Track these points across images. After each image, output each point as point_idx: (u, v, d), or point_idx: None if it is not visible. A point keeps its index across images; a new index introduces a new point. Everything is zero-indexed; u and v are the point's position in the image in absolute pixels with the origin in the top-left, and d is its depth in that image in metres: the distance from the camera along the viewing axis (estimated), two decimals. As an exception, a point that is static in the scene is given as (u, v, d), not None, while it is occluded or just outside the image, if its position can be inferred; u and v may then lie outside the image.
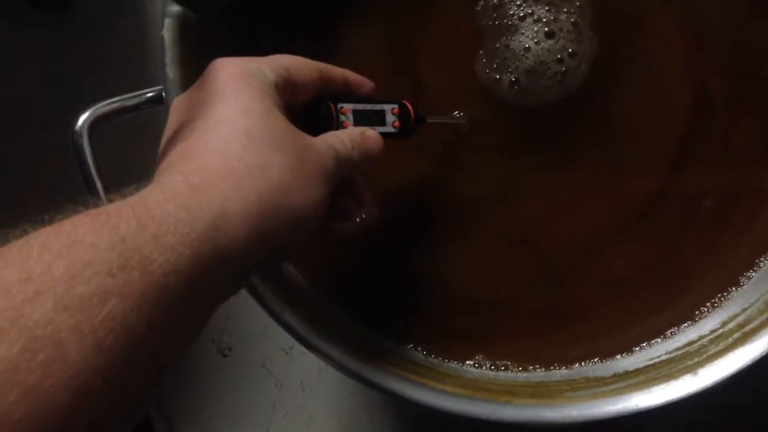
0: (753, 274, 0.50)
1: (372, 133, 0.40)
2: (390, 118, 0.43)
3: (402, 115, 0.44)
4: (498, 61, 0.50)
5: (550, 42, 0.49)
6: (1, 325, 0.23)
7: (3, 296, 0.23)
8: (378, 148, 0.40)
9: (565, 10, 0.49)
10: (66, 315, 0.24)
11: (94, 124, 0.43)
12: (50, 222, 0.27)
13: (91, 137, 0.43)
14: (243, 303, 0.45)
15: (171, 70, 0.44)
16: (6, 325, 0.23)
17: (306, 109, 0.39)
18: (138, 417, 0.28)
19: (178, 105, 0.37)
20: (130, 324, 0.25)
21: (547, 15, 0.49)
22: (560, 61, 0.49)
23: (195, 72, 0.45)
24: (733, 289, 0.50)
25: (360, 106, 0.41)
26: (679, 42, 0.50)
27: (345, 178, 0.38)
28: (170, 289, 0.27)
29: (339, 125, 0.40)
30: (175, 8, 0.44)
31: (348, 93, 0.42)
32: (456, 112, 0.50)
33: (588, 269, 0.51)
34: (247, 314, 0.65)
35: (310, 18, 0.51)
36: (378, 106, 0.43)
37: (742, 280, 0.50)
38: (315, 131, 0.37)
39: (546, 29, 0.49)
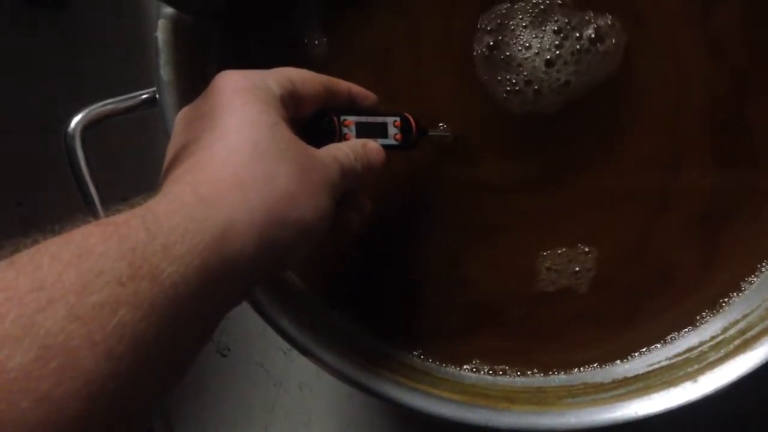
0: (754, 279, 0.49)
1: (374, 146, 0.41)
2: (392, 130, 0.44)
3: (404, 127, 0.44)
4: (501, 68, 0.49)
5: (549, 69, 0.49)
6: (15, 334, 0.23)
7: (16, 305, 0.24)
8: (380, 160, 0.41)
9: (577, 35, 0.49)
10: (78, 324, 0.24)
11: (87, 127, 0.43)
12: (60, 232, 0.27)
13: (83, 139, 0.43)
14: (242, 303, 0.45)
15: (165, 72, 0.44)
16: (19, 333, 0.23)
17: (309, 122, 0.40)
18: (147, 423, 0.28)
19: (183, 116, 0.37)
20: (141, 332, 0.26)
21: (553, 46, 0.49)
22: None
23: (189, 74, 0.45)
24: (735, 294, 0.49)
25: (363, 119, 0.42)
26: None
27: (348, 190, 0.38)
28: (179, 299, 0.27)
29: (342, 137, 0.40)
30: (170, 10, 0.44)
31: (351, 105, 0.42)
32: (441, 125, 0.50)
33: (587, 272, 0.51)
34: (245, 314, 0.64)
35: (303, 22, 0.51)
36: (380, 119, 0.43)
37: (743, 285, 0.49)
38: (318, 143, 0.37)
39: (548, 57, 0.49)
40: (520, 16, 0.49)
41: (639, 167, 0.50)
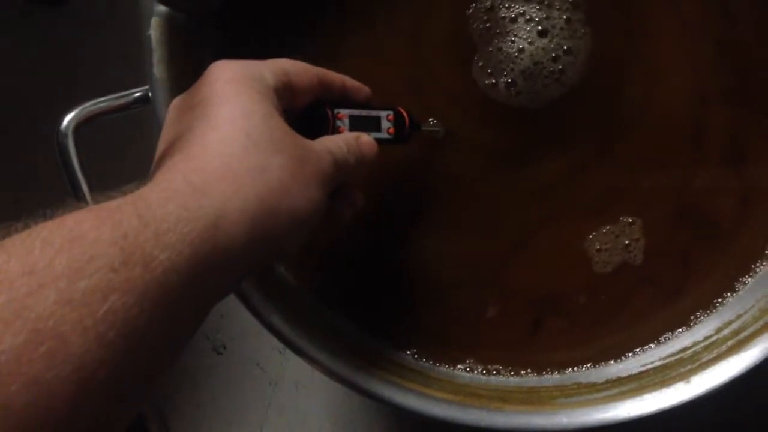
0: (749, 279, 0.49)
1: (367, 139, 0.41)
2: (385, 124, 0.44)
3: (397, 121, 0.44)
4: (493, 65, 0.49)
5: (544, 41, 0.48)
6: (5, 317, 0.23)
7: (7, 289, 0.24)
8: (372, 154, 0.41)
9: (557, 6, 0.48)
10: (68, 308, 0.24)
11: (79, 125, 0.43)
12: (51, 217, 0.27)
13: (76, 137, 0.43)
14: (237, 301, 0.45)
15: (158, 70, 0.44)
16: (10, 317, 0.23)
17: (303, 113, 0.40)
18: (136, 412, 0.28)
19: (176, 105, 0.37)
20: (131, 319, 0.26)
21: (539, 14, 0.48)
22: (556, 59, 0.48)
23: (182, 72, 0.45)
24: (729, 294, 0.49)
25: (356, 112, 0.42)
26: (681, 37, 0.50)
27: (340, 183, 0.38)
28: (170, 286, 0.27)
29: (335, 130, 0.40)
30: (163, 8, 0.44)
31: (345, 98, 0.42)
32: (431, 120, 0.49)
33: (583, 274, 0.51)
34: (241, 312, 0.64)
35: (297, 20, 0.51)
36: (374, 113, 0.43)
37: (737, 285, 0.49)
38: (311, 135, 0.37)
39: (539, 28, 0.48)
40: (490, 48, 0.49)
41: (663, 132, 0.50)
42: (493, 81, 0.49)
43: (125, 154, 0.63)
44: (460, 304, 0.51)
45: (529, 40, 0.48)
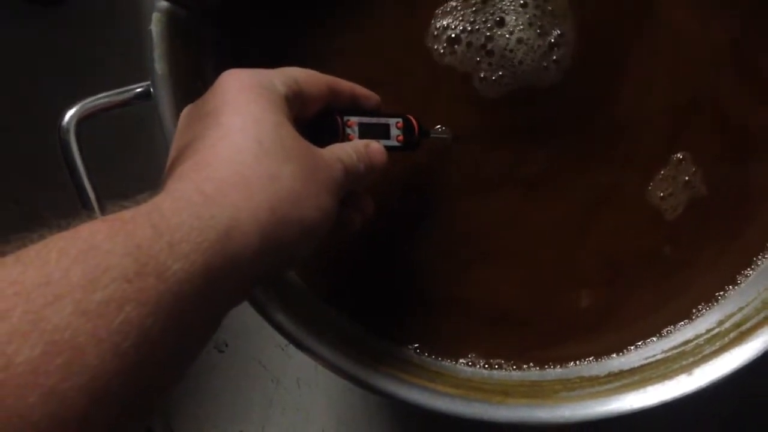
0: (750, 272, 0.49)
1: (376, 146, 0.41)
2: (394, 131, 0.44)
3: (406, 128, 0.45)
4: (519, 78, 0.49)
5: (522, 18, 0.48)
6: (22, 329, 0.23)
7: (23, 300, 0.24)
8: (382, 161, 0.41)
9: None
10: (84, 319, 0.24)
11: (81, 120, 0.43)
12: (66, 227, 0.27)
13: (78, 133, 0.43)
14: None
15: (159, 66, 0.44)
16: (27, 328, 0.23)
17: (313, 121, 0.40)
18: (148, 420, 0.28)
19: (187, 114, 0.37)
20: (146, 329, 0.26)
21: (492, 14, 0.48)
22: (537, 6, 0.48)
23: (184, 68, 0.45)
24: (730, 287, 0.49)
25: (365, 120, 0.42)
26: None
27: (350, 190, 0.39)
28: (184, 296, 0.27)
29: (345, 138, 0.41)
30: (164, 3, 0.44)
31: (354, 106, 0.42)
32: (439, 126, 0.50)
33: (584, 269, 0.51)
34: (243, 310, 0.64)
35: (297, 19, 0.51)
36: (383, 120, 0.44)
37: (739, 278, 0.49)
38: (321, 143, 0.37)
39: (497, 18, 0.48)
40: (475, 71, 0.49)
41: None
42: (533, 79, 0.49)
43: (126, 151, 0.63)
44: (463, 301, 0.52)
45: (517, 31, 0.48)
